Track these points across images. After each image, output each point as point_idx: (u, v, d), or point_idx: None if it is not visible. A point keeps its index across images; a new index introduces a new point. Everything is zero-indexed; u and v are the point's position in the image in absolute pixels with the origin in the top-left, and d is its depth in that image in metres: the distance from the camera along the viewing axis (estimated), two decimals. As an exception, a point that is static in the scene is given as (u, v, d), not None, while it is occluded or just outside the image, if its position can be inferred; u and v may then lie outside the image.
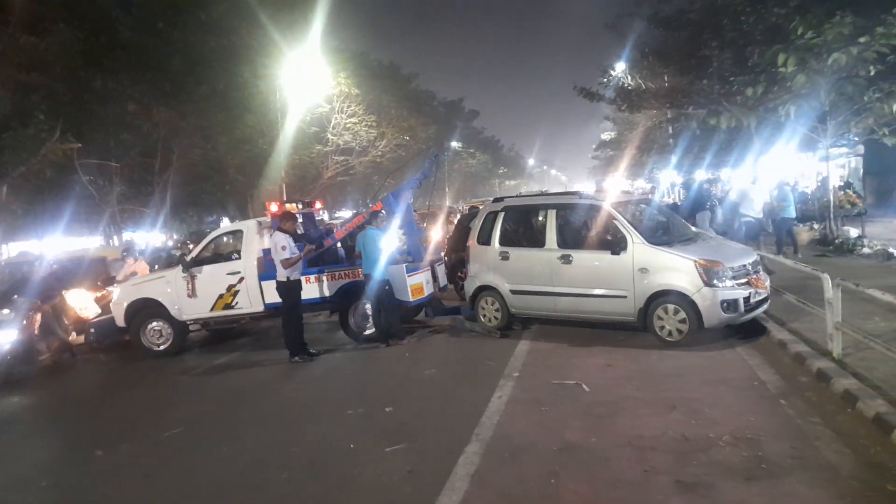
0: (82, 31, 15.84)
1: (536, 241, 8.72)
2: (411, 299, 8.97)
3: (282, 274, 8.42)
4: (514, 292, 8.79)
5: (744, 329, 7.47)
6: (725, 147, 20.85)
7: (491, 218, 9.17)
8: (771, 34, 13.50)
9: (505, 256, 8.86)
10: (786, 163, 20.95)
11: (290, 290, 8.50)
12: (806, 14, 11.90)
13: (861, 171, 22.14)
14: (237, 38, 19.27)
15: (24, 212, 18.03)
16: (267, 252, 9.46)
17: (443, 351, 8.62)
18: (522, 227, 9.26)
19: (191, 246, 15.34)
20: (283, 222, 8.61)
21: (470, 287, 9.33)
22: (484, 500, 4.13)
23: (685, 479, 4.10)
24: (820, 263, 9.76)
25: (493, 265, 8.98)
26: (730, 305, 7.10)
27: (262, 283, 9.35)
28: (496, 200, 9.67)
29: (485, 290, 9.12)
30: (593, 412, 5.50)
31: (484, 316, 9.16)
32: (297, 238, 9.89)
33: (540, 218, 8.97)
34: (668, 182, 34.22)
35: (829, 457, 4.26)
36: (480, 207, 11.81)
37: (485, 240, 9.12)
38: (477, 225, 9.45)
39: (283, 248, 8.28)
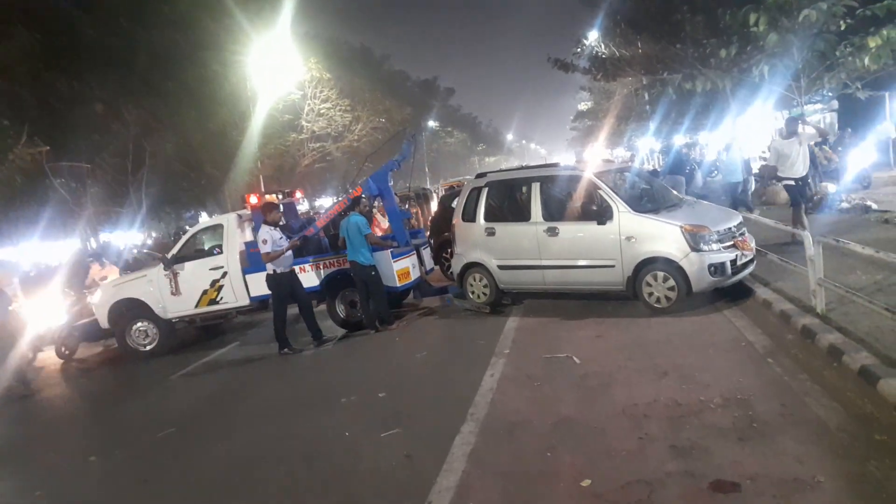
0: (42, 33, 15.41)
1: (522, 214, 8.68)
2: (398, 284, 8.95)
3: (269, 267, 8.37)
4: (501, 268, 8.78)
5: (729, 291, 7.53)
6: (703, 111, 20.93)
7: (475, 194, 9.10)
8: (741, -6, 13.46)
9: (491, 232, 8.83)
10: (762, 123, 21.09)
11: (277, 283, 8.44)
12: (775, -29, 11.86)
13: (836, 125, 22.34)
14: (203, 30, 18.85)
15: (-3, 220, 17.68)
16: (249, 245, 9.37)
17: (433, 333, 8.62)
18: (507, 201, 9.20)
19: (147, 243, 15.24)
20: (266, 215, 8.50)
21: (457, 265, 9.31)
22: (482, 479, 4.15)
23: (680, 444, 4.14)
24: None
25: (479, 242, 8.95)
26: (717, 269, 7.15)
27: (247, 276, 9.27)
28: (479, 176, 9.59)
29: (472, 266, 9.10)
30: (586, 384, 5.53)
31: (472, 293, 9.16)
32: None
33: (524, 191, 8.90)
34: (647, 149, 34.32)
35: (818, 412, 4.32)
36: (456, 187, 11.76)
37: (469, 216, 9.07)
38: (461, 202, 9.39)
39: (265, 241, 8.21)
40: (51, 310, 10.86)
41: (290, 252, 8.52)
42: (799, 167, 9.12)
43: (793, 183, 9.23)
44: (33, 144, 15.21)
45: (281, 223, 10.06)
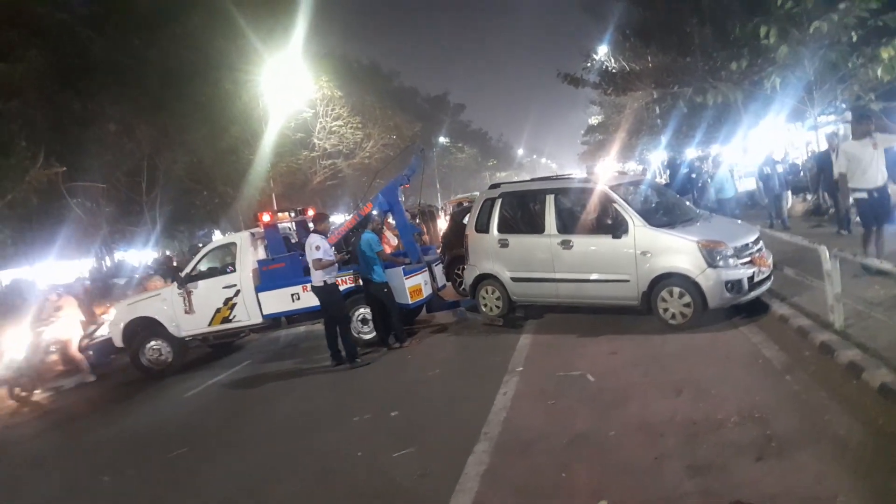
0: (56, 56, 15.71)
1: (536, 226, 8.60)
2: (410, 301, 8.93)
3: (317, 278, 8.19)
4: (514, 280, 8.73)
5: (745, 306, 7.41)
6: (715, 124, 20.81)
7: (488, 205, 9.07)
8: (750, 6, 13.47)
9: (504, 244, 8.79)
10: (774, 135, 20.96)
11: (328, 293, 8.31)
12: (785, -17, 11.85)
13: (850, 137, 22.14)
14: (215, 49, 19.12)
15: (13, 240, 17.90)
16: (262, 263, 9.41)
17: (445, 350, 8.58)
18: (521, 212, 9.10)
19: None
20: (316, 224, 8.54)
21: (469, 276, 9.27)
22: (496, 498, 4.10)
23: (697, 463, 4.07)
24: (815, 235, 9.74)
25: (492, 253, 8.91)
26: (734, 286, 7.04)
27: (259, 294, 9.29)
28: (493, 187, 9.56)
29: (485, 278, 9.06)
30: (600, 401, 5.47)
31: (485, 305, 9.12)
32: (290, 246, 9.84)
33: (538, 203, 8.79)
34: (658, 162, 34.20)
35: (837, 429, 4.23)
36: (466, 203, 11.76)
37: (483, 227, 9.04)
38: (473, 213, 9.38)
39: (318, 247, 8.07)
40: (14, 345, 10.08)
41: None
42: (874, 175, 7.48)
43: (865, 196, 7.61)
44: (49, 165, 15.42)
45: (293, 241, 10.11)
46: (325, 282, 8.25)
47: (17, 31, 15.18)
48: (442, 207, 23.08)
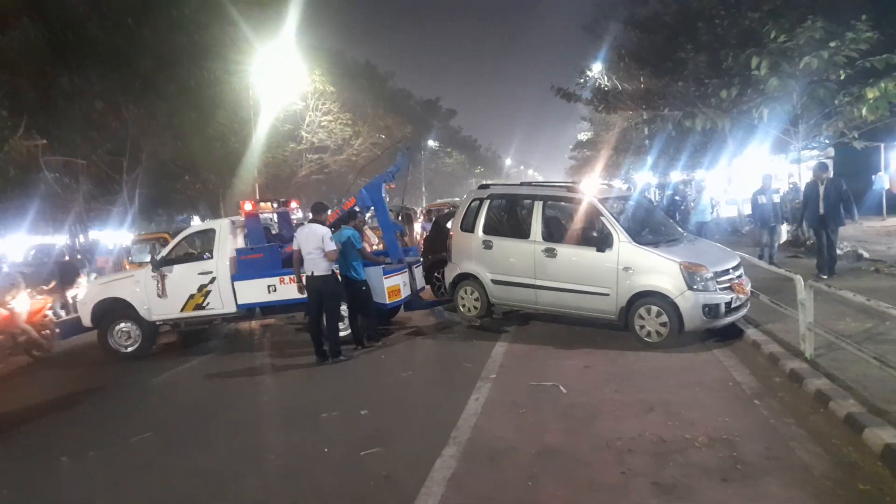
0: (48, 27, 15.42)
1: (521, 231, 8.62)
2: (388, 301, 8.87)
3: (326, 267, 7.92)
4: (495, 282, 8.73)
5: (720, 330, 7.50)
6: (700, 148, 21.13)
7: (476, 205, 9.05)
8: (744, 38, 13.73)
9: (488, 245, 8.78)
10: (757, 164, 21.31)
11: (336, 283, 8.14)
12: (779, 18, 12.12)
13: (832, 173, 22.58)
14: (208, 35, 18.90)
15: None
16: (241, 252, 9.29)
17: (419, 353, 8.54)
18: (507, 216, 9.12)
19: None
20: (317, 214, 8.23)
21: (450, 274, 9.25)
22: (461, 505, 4.07)
23: (663, 481, 4.09)
24: (792, 265, 9.90)
25: (475, 253, 8.90)
26: (711, 310, 7.12)
27: (235, 283, 9.17)
28: (482, 187, 9.52)
29: (465, 278, 9.05)
30: (571, 414, 5.48)
31: (463, 306, 9.12)
32: (270, 237, 9.74)
33: (526, 208, 8.81)
34: (643, 182, 34.57)
35: (802, 457, 4.28)
36: (447, 210, 11.76)
37: (468, 227, 9.03)
38: (460, 212, 9.36)
39: (330, 238, 7.85)
40: None
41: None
42: None
43: None
44: (30, 137, 15.12)
45: (273, 232, 10.00)
46: (333, 271, 8.06)
47: (11, -1, 14.87)
48: (422, 211, 22.93)
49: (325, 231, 7.88)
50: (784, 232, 14.27)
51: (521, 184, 10.51)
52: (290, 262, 8.78)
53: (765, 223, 12.13)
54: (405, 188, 11.99)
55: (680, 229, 9.20)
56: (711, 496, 3.87)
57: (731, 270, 7.51)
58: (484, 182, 10.09)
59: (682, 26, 17.07)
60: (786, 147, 15.43)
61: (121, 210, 20.41)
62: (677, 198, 18.75)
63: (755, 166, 20.91)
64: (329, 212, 8.78)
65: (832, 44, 11.16)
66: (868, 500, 3.69)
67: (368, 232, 11.67)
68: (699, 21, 15.76)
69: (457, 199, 24.81)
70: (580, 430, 5.09)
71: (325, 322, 8.13)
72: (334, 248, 7.88)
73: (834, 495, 3.77)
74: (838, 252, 11.32)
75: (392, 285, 8.91)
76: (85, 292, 9.88)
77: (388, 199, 10.49)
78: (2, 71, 15.31)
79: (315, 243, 7.80)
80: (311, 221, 8.16)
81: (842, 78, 11.93)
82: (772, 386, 5.73)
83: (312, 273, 7.89)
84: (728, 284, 7.31)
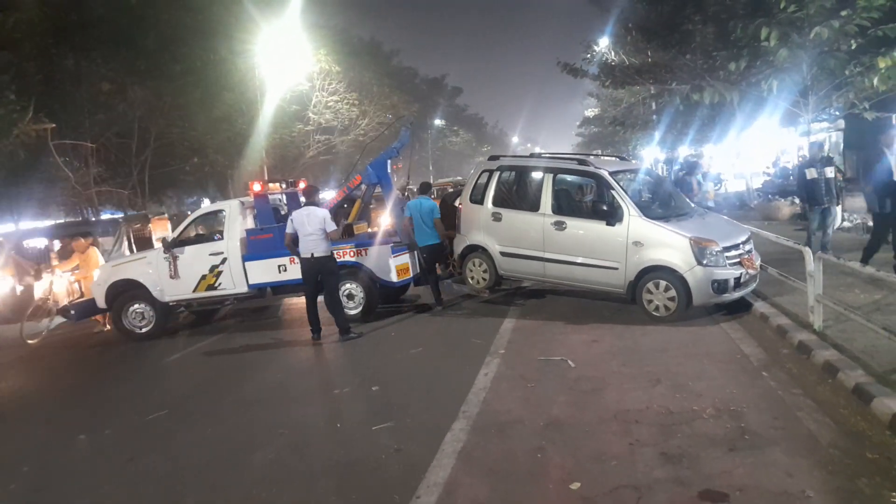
0: (52, 8, 15.37)
1: (531, 203, 8.59)
2: (396, 280, 8.94)
3: (326, 248, 8.05)
4: (504, 254, 8.76)
5: (728, 304, 7.51)
6: (709, 123, 20.90)
7: (485, 177, 9.03)
8: (753, 8, 13.47)
9: (497, 217, 8.79)
10: (766, 138, 21.11)
11: (334, 263, 8.29)
12: (788, -13, 11.85)
13: (841, 145, 22.31)
14: (213, 14, 18.80)
15: (-2, 195, 17.61)
16: (250, 232, 9.35)
17: (428, 330, 8.60)
18: (517, 188, 9.09)
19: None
20: (311, 196, 8.42)
21: (459, 245, 9.29)
22: (471, 477, 4.14)
23: (670, 452, 4.14)
24: (801, 238, 9.85)
25: (484, 225, 8.92)
26: (720, 285, 7.11)
27: (246, 263, 9.25)
28: (492, 158, 9.46)
29: (474, 250, 9.09)
30: (579, 387, 5.53)
31: (472, 278, 9.18)
32: (279, 217, 9.80)
33: (536, 181, 8.78)
34: (651, 158, 34.29)
35: (810, 427, 4.32)
36: (451, 189, 11.77)
37: (477, 199, 9.03)
38: (470, 183, 9.37)
39: (330, 219, 8.04)
40: None
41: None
42: None
43: None
44: (38, 121, 15.16)
45: (282, 213, 10.05)
46: (332, 252, 8.18)
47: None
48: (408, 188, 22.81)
49: (324, 213, 8.02)
50: (839, 214, 11.59)
51: (531, 156, 10.46)
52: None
53: (816, 203, 9.70)
54: (409, 168, 11.99)
55: (689, 202, 9.17)
56: (718, 465, 3.92)
57: (740, 245, 7.49)
58: (493, 154, 10.00)
59: (689, -4, 16.75)
60: (795, 119, 15.23)
61: (131, 193, 20.49)
62: (683, 173, 18.62)
63: (764, 140, 20.72)
64: (321, 193, 8.93)
65: (843, 13, 10.95)
66: (876, 468, 3.72)
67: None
68: (707, -9, 15.48)
69: (460, 177, 24.73)
70: (588, 403, 5.15)
71: (327, 301, 8.20)
72: (335, 228, 8.06)
73: (841, 464, 3.81)
74: (847, 224, 11.23)
75: (400, 264, 8.97)
76: (98, 274, 9.99)
77: (396, 179, 10.50)
78: (7, 53, 15.32)
79: (317, 225, 7.90)
80: (307, 204, 8.28)
81: (853, 48, 11.72)
82: (779, 358, 5.76)
83: (312, 255, 7.96)
84: (738, 259, 7.29)
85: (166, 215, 17.52)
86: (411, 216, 9.17)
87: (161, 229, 14.67)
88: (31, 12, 14.35)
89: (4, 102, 14.10)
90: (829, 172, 9.71)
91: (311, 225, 7.90)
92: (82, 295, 10.71)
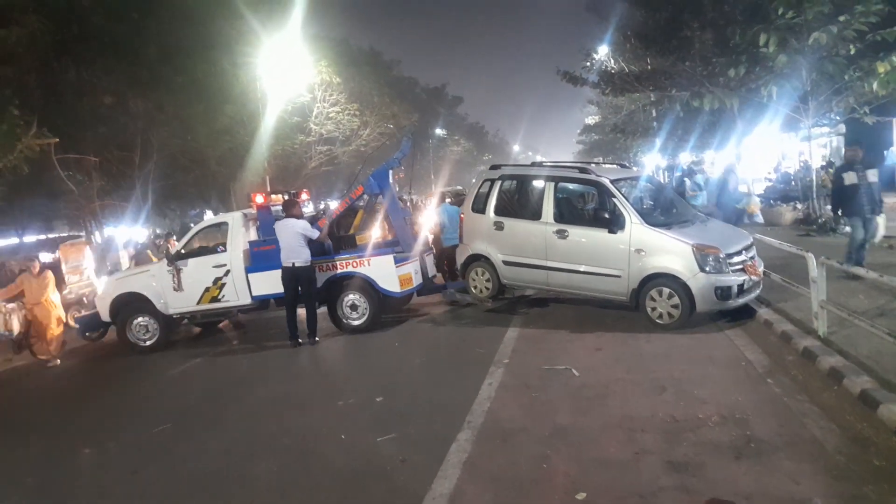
0: (53, 21, 15.47)
1: (533, 212, 8.58)
2: (399, 290, 8.94)
3: (307, 257, 8.61)
4: (506, 263, 8.75)
5: (731, 311, 7.49)
6: (709, 129, 20.94)
7: (487, 186, 9.04)
8: (751, 14, 13.57)
9: (499, 226, 8.79)
10: (766, 143, 21.12)
11: (314, 272, 8.83)
12: (786, -7, 11.91)
13: (843, 149, 22.33)
14: (214, 26, 18.91)
15: (1, 209, 17.69)
16: (253, 244, 9.37)
17: (432, 339, 8.60)
18: (519, 196, 9.10)
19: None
20: (290, 209, 8.82)
21: (461, 255, 9.29)
22: (476, 487, 4.13)
23: (675, 460, 4.13)
24: (803, 243, 9.84)
25: (486, 234, 8.92)
26: (723, 292, 7.09)
27: (249, 275, 9.27)
28: (493, 167, 9.47)
29: (476, 259, 9.08)
30: (583, 395, 5.53)
31: (475, 287, 9.17)
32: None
33: (538, 189, 8.78)
34: (653, 165, 34.32)
35: (815, 433, 4.31)
36: (449, 200, 11.81)
37: (479, 208, 9.03)
38: (472, 192, 9.39)
39: (311, 227, 8.66)
40: None
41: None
42: None
43: None
44: (42, 135, 15.24)
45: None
46: (310, 261, 8.65)
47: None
48: (411, 198, 22.78)
49: (303, 223, 8.62)
50: (882, 225, 10.07)
51: (533, 164, 10.48)
52: (320, 251, 9.11)
53: (855, 212, 8.38)
54: (411, 177, 12.03)
55: (692, 209, 9.17)
56: (724, 473, 3.91)
57: (743, 252, 7.48)
58: (495, 163, 10.07)
59: (686, 3, 16.84)
60: (796, 125, 15.28)
61: (134, 206, 20.56)
62: (686, 179, 18.63)
63: (764, 145, 20.72)
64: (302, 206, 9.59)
65: (841, 18, 11.01)
66: (883, 475, 3.71)
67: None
68: (704, -3, 15.60)
69: (459, 187, 24.73)
70: (592, 412, 5.14)
71: (308, 307, 8.78)
72: (318, 232, 8.75)
73: (848, 471, 3.79)
74: (850, 229, 11.21)
75: (403, 273, 8.97)
76: (103, 287, 10.02)
77: (398, 189, 10.54)
78: (9, 67, 15.42)
79: (295, 235, 8.48)
80: (287, 216, 8.71)
81: (852, 52, 11.77)
82: (784, 364, 5.75)
83: (293, 264, 8.52)
84: (741, 266, 7.28)
85: (83, 239, 16.38)
86: (445, 220, 10.51)
87: (75, 258, 13.81)
88: (32, 26, 14.45)
89: (8, 117, 14.18)
90: (872, 176, 8.36)
91: (291, 236, 8.47)
92: (29, 326, 9.89)
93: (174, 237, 15.24)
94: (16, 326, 10.05)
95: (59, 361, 9.84)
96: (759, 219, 14.80)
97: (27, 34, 14.37)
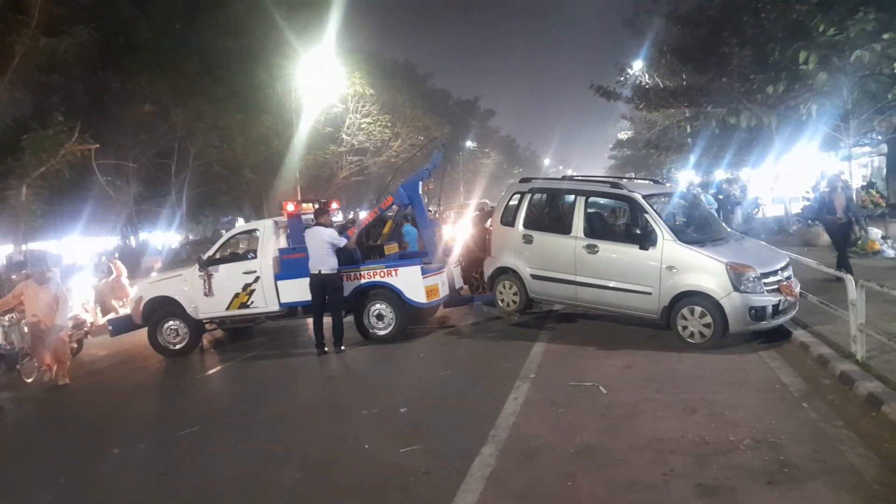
0: (100, 32, 16.00)
1: (562, 227, 8.48)
2: (425, 301, 8.93)
3: (334, 265, 8.70)
4: (534, 277, 8.67)
5: (766, 332, 7.29)
6: (746, 146, 20.60)
7: (517, 199, 8.99)
8: (792, 31, 13.31)
9: (528, 240, 8.72)
10: (805, 162, 20.68)
11: (341, 279, 8.93)
12: (828, 11, 11.70)
13: (884, 170, 21.75)
14: (253, 39, 19.36)
15: (42, 212, 18.23)
16: (283, 252, 9.48)
17: (457, 352, 8.56)
18: (549, 210, 9.04)
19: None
20: (321, 217, 8.91)
21: (489, 268, 9.24)
22: (499, 502, 4.08)
23: (705, 483, 4.02)
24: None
25: (515, 248, 8.86)
26: (757, 312, 6.92)
27: (278, 282, 9.36)
28: (523, 180, 9.43)
29: (504, 272, 9.02)
30: (611, 414, 5.43)
31: (502, 300, 9.11)
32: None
33: (568, 204, 8.71)
34: (686, 182, 33.88)
35: (853, 461, 4.16)
36: (477, 213, 11.79)
37: (508, 221, 8.99)
38: (500, 205, 9.36)
39: (339, 236, 8.80)
40: None
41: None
42: None
43: None
44: (84, 141, 15.72)
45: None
46: (337, 269, 8.74)
47: (65, 5, 15.47)
48: (441, 210, 22.74)
49: (330, 231, 8.72)
50: None
51: (564, 178, 10.42)
52: (349, 261, 9.18)
53: None
54: (441, 189, 12.04)
55: (725, 227, 8.99)
56: (756, 499, 3.80)
57: (779, 271, 7.29)
58: (525, 176, 10.01)
59: (726, 20, 16.63)
60: (836, 144, 14.96)
61: (169, 212, 21.01)
62: (721, 196, 18.34)
63: (803, 164, 20.29)
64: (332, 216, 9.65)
65: (886, 35, 10.74)
66: (923, 506, 3.57)
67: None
68: (744, 14, 15.35)
69: (486, 200, 24.67)
70: (620, 430, 5.04)
71: (334, 316, 8.84)
72: (346, 240, 8.88)
73: (886, 501, 3.65)
74: (891, 252, 10.89)
75: (430, 285, 8.97)
76: (136, 290, 10.22)
77: (427, 201, 10.56)
78: (58, 76, 15.97)
79: (323, 244, 8.56)
80: (316, 224, 8.81)
81: (895, 71, 11.49)
82: (820, 388, 5.57)
83: (320, 271, 8.60)
84: (776, 286, 7.10)
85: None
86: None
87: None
88: (81, 37, 14.96)
89: (53, 123, 14.68)
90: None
91: (319, 244, 8.58)
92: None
93: (116, 254, 15.42)
94: (17, 340, 9.17)
95: (68, 380, 8.75)
96: (890, 253, 12.10)
97: (76, 44, 14.88)
